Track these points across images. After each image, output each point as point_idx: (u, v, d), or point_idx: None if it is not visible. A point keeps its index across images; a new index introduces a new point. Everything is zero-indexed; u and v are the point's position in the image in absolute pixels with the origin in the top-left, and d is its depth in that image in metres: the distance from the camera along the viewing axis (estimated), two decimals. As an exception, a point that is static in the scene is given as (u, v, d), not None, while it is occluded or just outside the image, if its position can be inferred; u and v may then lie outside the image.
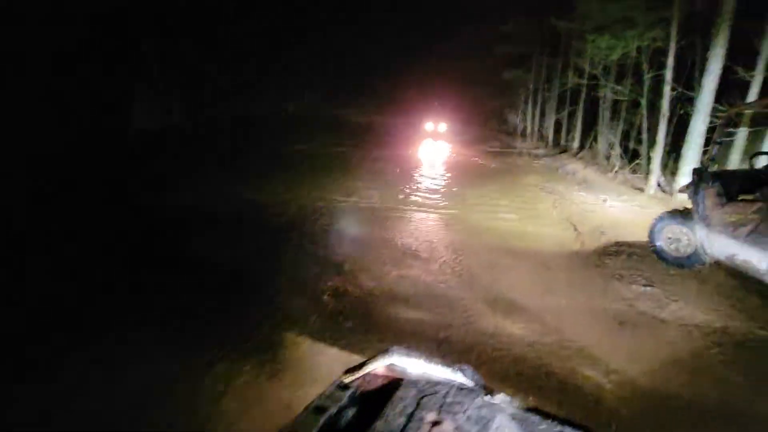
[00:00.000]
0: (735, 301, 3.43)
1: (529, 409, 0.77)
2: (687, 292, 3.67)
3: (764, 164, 3.49)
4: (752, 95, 6.61)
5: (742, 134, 6.83)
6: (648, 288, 3.80)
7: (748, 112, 5.46)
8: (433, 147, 13.86)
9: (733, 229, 3.35)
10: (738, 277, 3.76)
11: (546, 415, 0.75)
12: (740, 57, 6.61)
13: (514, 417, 0.72)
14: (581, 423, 0.77)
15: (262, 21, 18.27)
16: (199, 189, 6.98)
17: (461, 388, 0.75)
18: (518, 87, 16.54)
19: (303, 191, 6.99)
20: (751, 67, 6.46)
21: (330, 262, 4.18)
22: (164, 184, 7.20)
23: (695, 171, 3.73)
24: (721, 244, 3.50)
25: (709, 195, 3.67)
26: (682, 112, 7.77)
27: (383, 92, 27.25)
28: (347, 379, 0.80)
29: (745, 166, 6.68)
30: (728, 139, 6.61)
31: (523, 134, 16.48)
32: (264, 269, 3.98)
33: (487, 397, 0.74)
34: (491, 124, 21.63)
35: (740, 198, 3.46)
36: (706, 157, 3.68)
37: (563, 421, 0.74)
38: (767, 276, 3.04)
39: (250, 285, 3.60)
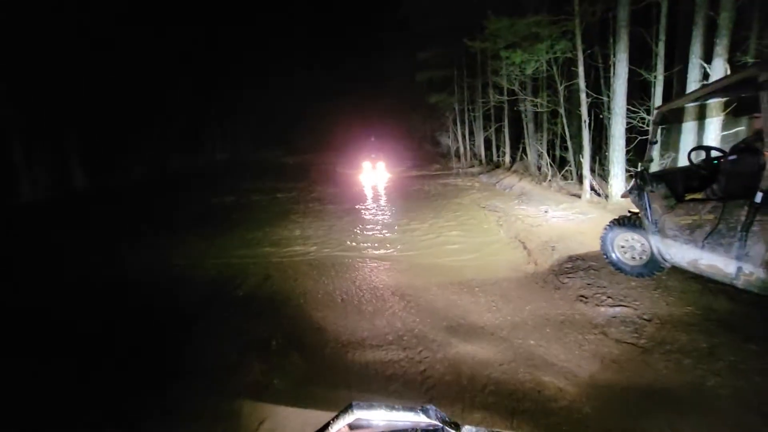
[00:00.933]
0: (708, 312, 3.13)
1: None
2: (657, 308, 3.34)
3: (701, 159, 3.34)
4: (657, 94, 6.95)
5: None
6: (617, 308, 3.43)
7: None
8: (371, 180, 13.49)
9: (689, 232, 3.10)
10: (699, 279, 3.53)
11: None
12: (641, 60, 6.99)
13: None
14: None
15: (179, 78, 17.21)
16: (84, 266, 5.82)
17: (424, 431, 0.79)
18: (445, 109, 16.92)
19: (226, 250, 6.09)
20: (650, 68, 6.83)
21: (254, 339, 3.36)
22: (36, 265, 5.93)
23: (636, 174, 3.51)
24: (679, 250, 3.23)
25: (656, 198, 3.43)
26: (601, 116, 8.06)
27: (316, 131, 26.93)
28: None
29: (664, 163, 6.93)
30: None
31: (457, 155, 16.75)
32: (162, 360, 3.07)
33: None
34: (426, 147, 22.01)
35: (688, 197, 3.24)
36: (645, 158, 3.49)
37: None
38: (738, 280, 2.76)
39: (138, 389, 2.68)
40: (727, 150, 3.17)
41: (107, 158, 13.35)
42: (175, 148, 17.54)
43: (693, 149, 3.31)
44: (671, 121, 6.66)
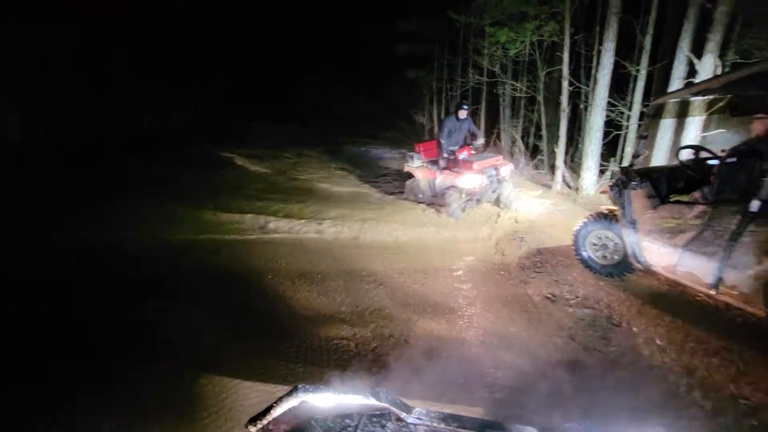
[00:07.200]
0: (683, 322, 2.97)
1: (448, 417, 0.76)
2: (627, 311, 3.17)
3: (690, 159, 3.13)
4: (639, 89, 6.81)
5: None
6: (586, 310, 3.24)
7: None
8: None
9: (670, 236, 2.89)
10: (669, 283, 3.39)
11: (463, 421, 0.76)
12: (620, 53, 6.74)
13: None
14: (496, 421, 0.79)
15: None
16: None
17: (373, 415, 0.75)
18: (423, 87, 16.34)
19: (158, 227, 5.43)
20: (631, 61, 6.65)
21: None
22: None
23: (621, 170, 3.27)
24: (656, 253, 3.04)
25: (638, 197, 3.21)
26: (579, 107, 7.89)
27: (285, 99, 25.36)
28: (252, 430, 0.74)
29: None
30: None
31: (431, 135, 16.36)
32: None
33: (404, 415, 0.74)
34: (400, 125, 21.42)
35: (672, 199, 3.03)
36: (631, 154, 3.23)
37: (483, 424, 0.76)
38: (715, 291, 2.58)
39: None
40: (717, 151, 2.96)
41: (46, 111, 11.86)
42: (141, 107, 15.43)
43: (682, 147, 3.09)
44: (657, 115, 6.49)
